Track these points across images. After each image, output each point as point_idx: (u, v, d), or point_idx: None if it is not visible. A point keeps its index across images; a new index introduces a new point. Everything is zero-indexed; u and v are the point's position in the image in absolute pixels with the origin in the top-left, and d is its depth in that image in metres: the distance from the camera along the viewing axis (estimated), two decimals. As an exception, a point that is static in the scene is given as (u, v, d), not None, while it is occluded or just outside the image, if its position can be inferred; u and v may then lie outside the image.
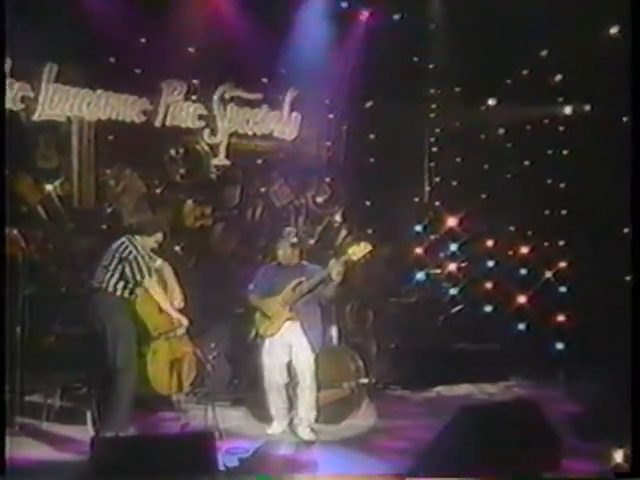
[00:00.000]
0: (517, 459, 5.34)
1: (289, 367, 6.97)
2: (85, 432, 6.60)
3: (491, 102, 10.40)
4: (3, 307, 5.80)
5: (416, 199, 10.71)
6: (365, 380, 7.28)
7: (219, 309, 8.25)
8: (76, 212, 8.81)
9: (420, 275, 10.36)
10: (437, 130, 10.77)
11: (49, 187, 8.70)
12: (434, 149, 10.76)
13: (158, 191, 9.26)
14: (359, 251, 6.77)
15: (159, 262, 6.95)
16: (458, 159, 10.61)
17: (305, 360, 6.90)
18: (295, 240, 7.01)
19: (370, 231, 9.96)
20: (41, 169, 8.55)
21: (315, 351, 6.90)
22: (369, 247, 6.79)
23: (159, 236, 6.81)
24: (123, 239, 6.68)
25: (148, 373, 6.53)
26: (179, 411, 7.20)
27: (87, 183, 8.92)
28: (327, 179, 10.27)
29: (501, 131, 10.46)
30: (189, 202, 9.39)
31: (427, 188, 10.71)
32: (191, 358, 6.86)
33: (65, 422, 6.97)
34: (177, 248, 9.20)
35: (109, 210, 8.98)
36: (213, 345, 7.27)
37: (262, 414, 7.20)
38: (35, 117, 8.63)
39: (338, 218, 10.31)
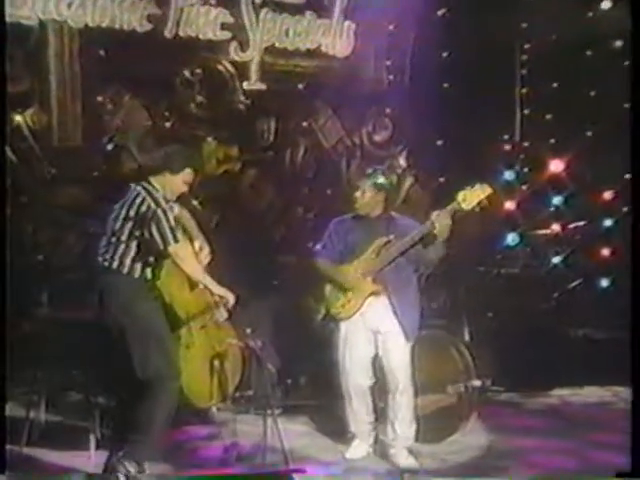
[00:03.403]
0: None
1: (374, 362, 6.18)
2: (85, 461, 5.85)
3: (603, 5, 9.54)
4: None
5: (505, 136, 9.86)
6: (477, 382, 6.46)
7: (254, 281, 7.58)
8: (57, 152, 8.23)
9: (511, 237, 9.51)
10: (529, 45, 9.92)
11: (18, 118, 8.08)
12: (526, 70, 9.91)
13: (168, 125, 8.69)
14: (472, 197, 5.97)
15: (176, 209, 5.99)
16: (556, 84, 9.73)
17: (398, 353, 6.09)
18: (382, 180, 6.13)
19: (443, 179, 9.49)
20: (5, 93, 7.62)
21: (410, 340, 6.10)
22: (487, 190, 5.98)
23: (188, 174, 5.73)
24: (136, 188, 5.62)
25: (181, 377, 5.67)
26: (216, 424, 6.53)
27: (71, 113, 8.25)
28: (388, 110, 9.59)
29: (617, 44, 9.52)
30: (210, 140, 8.84)
31: (518, 122, 9.87)
32: (235, 352, 6.17)
33: (55, 445, 6.19)
34: (195, 202, 8.15)
35: (109, 147, 8.32)
36: (249, 331, 6.46)
37: (335, 429, 6.54)
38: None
39: (402, 162, 9.71)
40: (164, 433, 5.54)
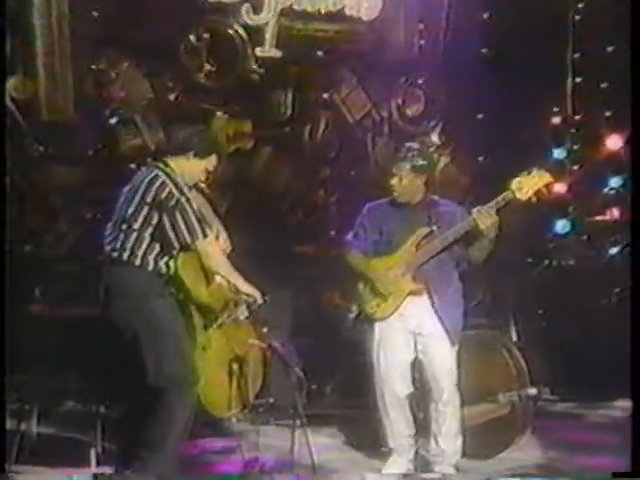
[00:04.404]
0: None
1: (414, 368, 6.21)
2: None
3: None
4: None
5: (554, 109, 9.73)
6: (533, 390, 6.47)
7: (268, 273, 7.40)
8: (45, 127, 8.33)
9: (561, 224, 9.42)
10: (582, 4, 9.76)
11: (0, 88, 8.22)
12: (578, 32, 9.74)
13: (172, 97, 8.82)
14: (528, 185, 5.98)
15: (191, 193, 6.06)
16: (613, 47, 9.60)
17: (442, 357, 6.12)
18: (421, 162, 6.08)
19: (482, 159, 9.47)
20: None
21: (456, 344, 6.13)
22: (546, 177, 6.02)
23: (213, 160, 5.73)
24: (153, 170, 5.55)
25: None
26: (234, 436, 6.48)
27: (61, 83, 8.33)
28: (420, 80, 9.63)
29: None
30: (219, 114, 8.95)
31: (570, 92, 9.74)
32: (256, 355, 6.08)
33: (49, 462, 6.19)
34: (202, 184, 8.45)
35: (112, 121, 8.34)
36: (266, 330, 6.50)
37: (368, 442, 6.59)
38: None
39: (435, 138, 9.65)
40: (180, 447, 5.50)
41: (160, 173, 5.46)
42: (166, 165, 5.53)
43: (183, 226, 5.40)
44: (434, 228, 6.04)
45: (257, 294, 5.72)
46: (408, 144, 6.37)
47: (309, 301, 8.07)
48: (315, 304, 8.08)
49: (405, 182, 6.04)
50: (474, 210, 5.92)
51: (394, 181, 6.05)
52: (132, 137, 8.41)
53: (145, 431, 5.39)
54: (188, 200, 5.45)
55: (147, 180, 5.44)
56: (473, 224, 5.90)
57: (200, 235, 5.44)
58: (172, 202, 5.40)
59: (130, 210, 5.43)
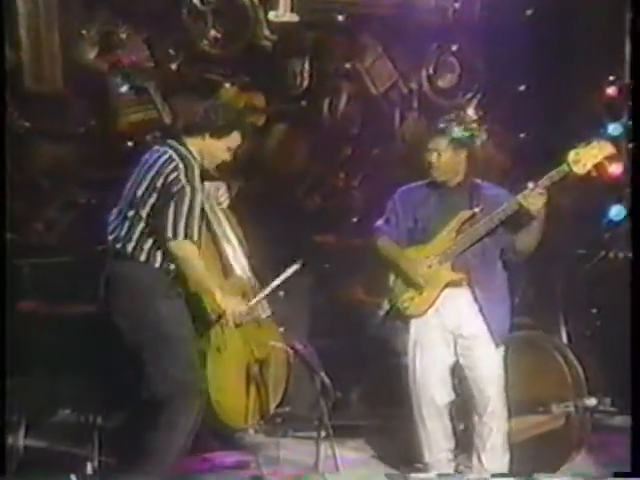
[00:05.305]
0: None
1: (454, 373, 6.24)
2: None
3: None
4: None
5: (609, 78, 9.57)
6: (592, 401, 6.53)
7: (284, 266, 7.39)
8: (30, 99, 8.40)
9: (616, 210, 9.26)
10: None
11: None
12: None
13: (174, 67, 8.90)
14: (587, 157, 6.03)
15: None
16: None
17: (487, 362, 6.16)
18: (459, 134, 6.13)
19: (524, 135, 9.40)
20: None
21: (500, 346, 6.17)
22: (608, 148, 6.09)
23: (236, 138, 5.72)
24: (167, 151, 5.56)
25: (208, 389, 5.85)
26: (249, 449, 6.63)
27: (48, 48, 8.38)
28: (454, 47, 9.56)
29: None
30: (227, 87, 9.04)
31: (628, 59, 9.42)
32: (278, 358, 6.19)
33: (40, 478, 6.25)
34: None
35: (124, 89, 8.48)
36: (282, 330, 6.70)
37: (399, 456, 6.62)
38: None
39: (471, 113, 9.42)
40: (181, 460, 5.57)
41: (174, 155, 5.46)
42: (183, 146, 5.53)
43: (171, 218, 5.38)
44: (477, 211, 6.05)
45: (237, 310, 5.67)
46: (444, 116, 6.37)
47: (329, 296, 8.15)
48: (336, 300, 8.14)
49: (444, 158, 6.10)
50: (519, 195, 5.90)
51: (433, 158, 6.10)
52: (136, 110, 8.40)
53: (145, 443, 5.42)
54: (193, 192, 5.44)
55: (160, 162, 5.45)
56: (516, 205, 5.91)
57: (181, 236, 5.38)
58: (174, 188, 5.41)
59: (138, 194, 5.44)
